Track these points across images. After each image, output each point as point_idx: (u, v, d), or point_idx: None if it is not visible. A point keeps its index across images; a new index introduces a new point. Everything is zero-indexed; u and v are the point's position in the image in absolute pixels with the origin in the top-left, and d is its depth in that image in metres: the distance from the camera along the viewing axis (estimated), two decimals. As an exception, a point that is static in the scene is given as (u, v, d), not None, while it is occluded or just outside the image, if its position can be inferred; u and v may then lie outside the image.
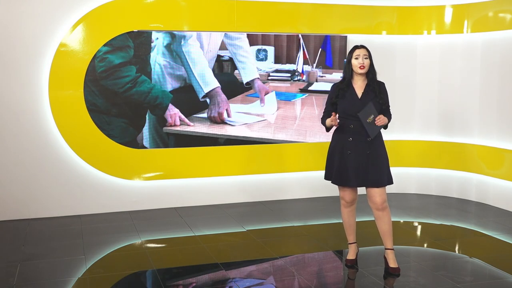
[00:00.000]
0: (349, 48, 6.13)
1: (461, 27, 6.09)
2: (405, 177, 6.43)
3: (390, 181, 3.91)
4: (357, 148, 3.82)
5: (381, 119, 3.75)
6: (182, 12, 5.63)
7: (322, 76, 6.21)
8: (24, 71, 5.24)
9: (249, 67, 5.92)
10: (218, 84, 5.77)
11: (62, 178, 5.46)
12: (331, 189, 6.09)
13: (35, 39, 5.23)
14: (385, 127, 3.90)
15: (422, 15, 6.28)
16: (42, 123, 5.34)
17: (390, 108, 3.96)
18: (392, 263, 3.90)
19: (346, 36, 6.19)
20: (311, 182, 6.24)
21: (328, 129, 3.96)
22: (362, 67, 3.80)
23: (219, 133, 5.88)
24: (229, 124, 5.87)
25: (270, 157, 6.08)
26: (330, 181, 3.99)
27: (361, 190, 4.00)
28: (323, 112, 4.01)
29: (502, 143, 5.78)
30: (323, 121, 3.97)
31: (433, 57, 6.31)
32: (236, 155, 5.96)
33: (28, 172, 5.36)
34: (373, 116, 3.74)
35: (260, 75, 5.99)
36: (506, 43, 5.65)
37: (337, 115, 3.87)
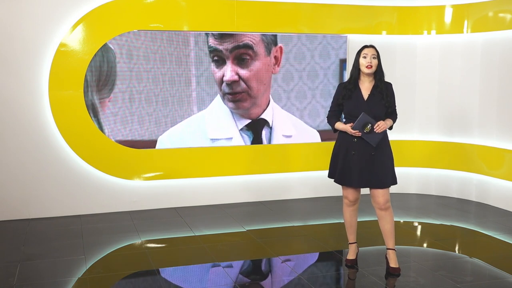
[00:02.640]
0: (349, 48, 6.16)
1: (461, 27, 6.09)
2: (405, 177, 6.43)
3: (394, 182, 3.92)
4: (362, 149, 3.82)
5: (380, 126, 3.74)
6: (182, 12, 5.63)
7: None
8: (24, 71, 5.24)
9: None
10: None
11: (62, 178, 5.46)
12: (332, 189, 6.12)
13: (35, 39, 5.23)
14: (390, 127, 3.90)
15: (422, 15, 6.28)
16: (42, 123, 5.34)
17: (396, 109, 3.96)
18: (393, 263, 3.90)
19: (346, 36, 6.19)
20: (312, 182, 6.25)
21: (335, 130, 3.96)
22: (369, 67, 3.78)
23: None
24: None
25: (270, 157, 6.08)
26: (333, 180, 3.99)
27: (364, 190, 4.01)
28: (329, 111, 4.01)
29: (502, 143, 5.78)
30: (329, 121, 3.98)
31: (433, 57, 6.31)
32: (236, 155, 5.96)
33: (28, 172, 5.36)
34: (370, 124, 3.74)
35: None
36: (506, 43, 5.65)
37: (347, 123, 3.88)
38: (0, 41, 5.16)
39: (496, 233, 4.93)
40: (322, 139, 6.21)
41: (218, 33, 5.70)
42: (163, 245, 4.72)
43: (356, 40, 6.15)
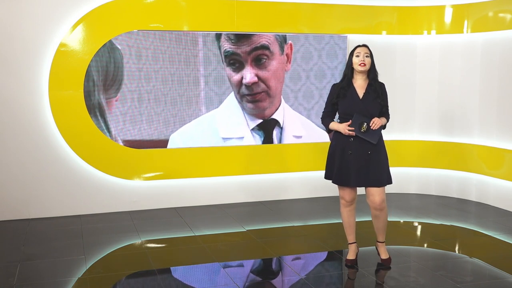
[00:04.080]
0: (348, 48, 6.17)
1: (461, 27, 6.09)
2: (405, 177, 6.43)
3: (389, 181, 3.92)
4: (358, 149, 3.82)
5: (375, 122, 3.77)
6: (182, 12, 5.63)
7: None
8: (24, 71, 5.24)
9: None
10: None
11: (62, 178, 5.46)
12: (332, 189, 6.08)
13: (35, 39, 5.23)
14: (383, 127, 3.91)
15: (422, 15, 6.28)
16: (42, 123, 5.34)
17: (389, 109, 3.98)
18: (384, 255, 4.02)
19: (346, 36, 6.19)
20: (311, 182, 6.24)
21: (329, 131, 3.98)
22: (362, 64, 3.81)
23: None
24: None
25: (270, 157, 6.08)
26: (331, 181, 4.00)
27: (361, 190, 4.01)
28: (323, 112, 4.02)
29: (502, 143, 5.78)
30: (323, 121, 3.99)
31: (433, 57, 6.31)
32: (236, 155, 5.96)
33: (28, 172, 5.36)
34: (365, 124, 3.76)
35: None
36: (506, 43, 5.65)
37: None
38: (0, 41, 5.16)
39: (496, 233, 4.93)
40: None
41: (235, 37, 5.73)
42: (163, 245, 4.72)
43: (356, 40, 6.14)
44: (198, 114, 5.78)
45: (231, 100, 5.84)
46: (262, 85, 5.86)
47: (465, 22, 6.05)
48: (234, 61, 5.78)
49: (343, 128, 3.82)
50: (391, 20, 6.30)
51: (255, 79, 5.80)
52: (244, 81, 5.80)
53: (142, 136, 5.63)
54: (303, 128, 6.13)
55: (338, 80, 6.14)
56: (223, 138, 5.87)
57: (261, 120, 5.96)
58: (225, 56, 5.75)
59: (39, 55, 5.25)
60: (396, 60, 6.36)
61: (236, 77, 5.78)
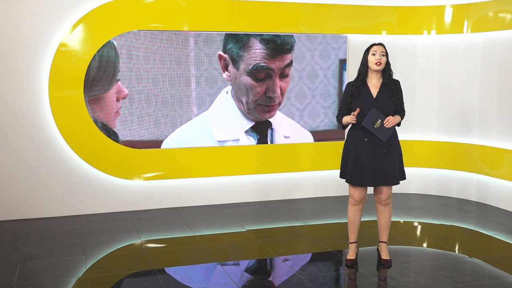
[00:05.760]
0: (349, 48, 6.17)
1: (461, 27, 6.09)
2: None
3: (403, 177, 3.99)
4: (372, 148, 3.84)
5: (390, 121, 3.78)
6: (182, 12, 5.63)
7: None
8: (24, 71, 5.24)
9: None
10: None
11: (62, 178, 5.46)
12: (333, 189, 6.12)
13: (35, 39, 5.23)
14: (398, 124, 3.92)
15: (422, 15, 6.28)
16: (42, 123, 5.34)
17: (404, 106, 3.99)
18: (385, 255, 4.03)
19: (346, 36, 6.19)
20: (312, 182, 6.24)
21: (344, 127, 3.99)
22: (378, 63, 3.80)
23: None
24: None
25: (270, 157, 6.08)
26: (345, 180, 4.00)
27: (369, 190, 4.02)
28: (338, 111, 4.04)
29: (502, 143, 5.78)
30: (338, 119, 4.01)
31: (433, 57, 6.31)
32: (236, 155, 5.96)
33: (28, 172, 5.36)
34: (380, 120, 3.76)
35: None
36: (506, 43, 5.65)
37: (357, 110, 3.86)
38: (0, 41, 5.16)
39: (496, 233, 4.93)
40: (315, 140, 6.22)
41: (271, 51, 5.82)
42: (163, 245, 4.72)
43: (356, 40, 6.15)
44: (190, 115, 5.77)
45: (222, 102, 5.82)
46: (280, 97, 6.01)
47: (465, 22, 6.05)
48: (264, 75, 5.84)
49: (350, 118, 3.83)
50: (391, 20, 6.30)
51: (279, 92, 5.97)
52: (272, 94, 5.91)
53: (133, 137, 5.61)
54: (290, 128, 6.15)
55: (330, 81, 6.18)
56: (219, 141, 5.87)
57: (253, 123, 5.96)
58: (255, 69, 5.79)
59: (39, 55, 5.26)
60: (396, 60, 6.35)
61: (259, 89, 5.84)
